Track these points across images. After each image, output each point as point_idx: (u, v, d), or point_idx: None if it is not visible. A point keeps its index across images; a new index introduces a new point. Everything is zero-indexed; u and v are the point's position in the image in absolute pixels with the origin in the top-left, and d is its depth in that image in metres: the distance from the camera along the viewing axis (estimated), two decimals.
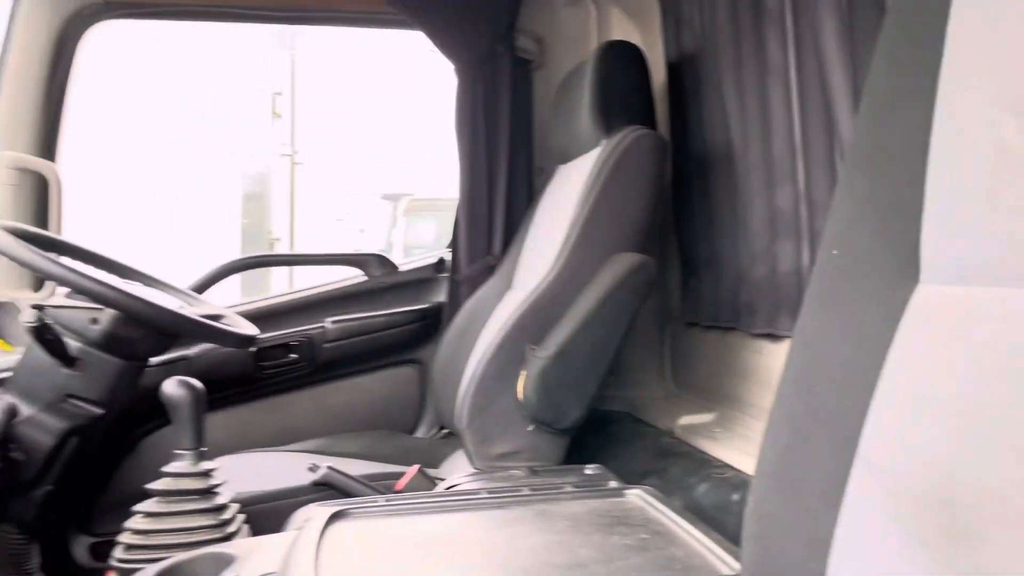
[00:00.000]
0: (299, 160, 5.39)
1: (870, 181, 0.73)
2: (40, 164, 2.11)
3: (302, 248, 5.43)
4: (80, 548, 1.97)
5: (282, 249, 4.57)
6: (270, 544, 1.14)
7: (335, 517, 1.18)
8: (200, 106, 4.04)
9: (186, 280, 2.24)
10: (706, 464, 1.60)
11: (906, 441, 0.64)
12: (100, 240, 1.98)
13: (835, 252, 0.75)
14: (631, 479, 1.69)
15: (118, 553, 1.34)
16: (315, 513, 1.19)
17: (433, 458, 1.96)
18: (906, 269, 0.67)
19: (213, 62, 3.27)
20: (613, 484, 1.39)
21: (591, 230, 1.65)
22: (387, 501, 1.25)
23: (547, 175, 2.18)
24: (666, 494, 1.62)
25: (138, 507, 1.37)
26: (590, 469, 1.50)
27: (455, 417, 1.70)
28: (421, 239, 9.61)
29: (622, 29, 2.24)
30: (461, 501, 1.25)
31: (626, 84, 1.79)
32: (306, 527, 1.13)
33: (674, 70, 1.93)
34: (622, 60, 1.80)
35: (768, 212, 1.57)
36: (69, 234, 2.18)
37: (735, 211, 1.70)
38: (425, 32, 2.23)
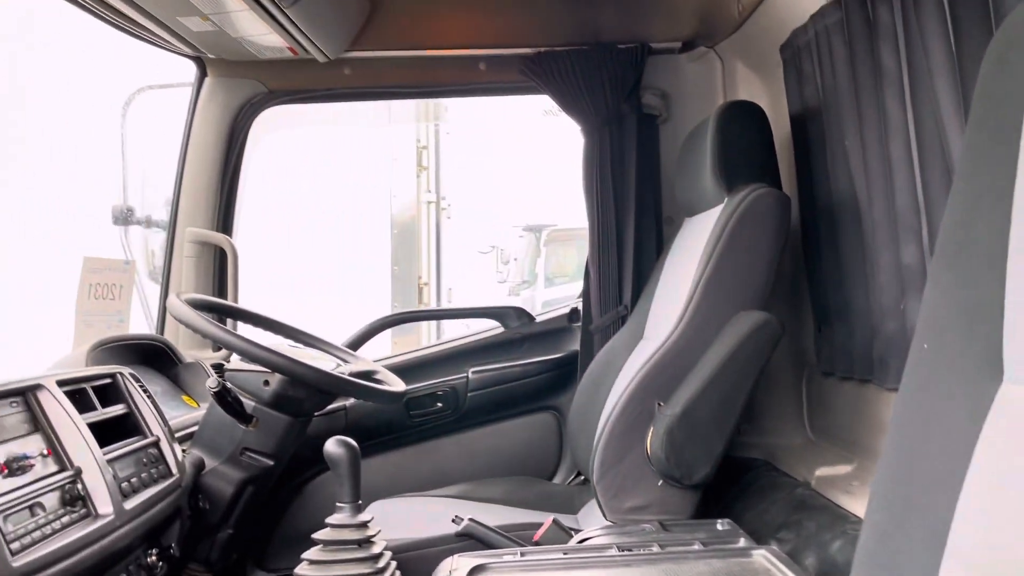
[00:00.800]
0: (445, 205, 5.66)
1: (955, 279, 0.77)
2: (218, 237, 2.40)
3: (448, 287, 5.69)
4: None
5: (430, 292, 4.84)
6: None
7: (475, 571, 1.29)
8: (352, 166, 4.38)
9: (344, 331, 2.45)
10: (842, 520, 1.60)
11: (993, 539, 0.67)
12: (270, 297, 2.20)
13: (925, 346, 0.79)
14: (765, 532, 1.71)
15: None
16: (458, 565, 1.31)
17: (571, 505, 2.05)
18: (990, 368, 0.71)
19: (363, 124, 3.57)
20: (742, 542, 1.43)
21: (714, 288, 1.70)
22: (523, 555, 1.35)
23: (676, 226, 2.24)
24: (800, 550, 1.63)
25: (305, 555, 1.54)
26: (721, 524, 1.53)
27: (588, 471, 1.79)
28: (563, 268, 9.78)
29: (747, 82, 2.28)
30: (591, 558, 1.33)
31: (747, 143, 1.83)
32: (448, 573, 1.25)
33: (798, 123, 1.95)
34: (742, 120, 1.85)
35: (895, 267, 1.56)
36: (244, 297, 2.45)
37: (864, 265, 1.69)
38: (552, 97, 2.36)
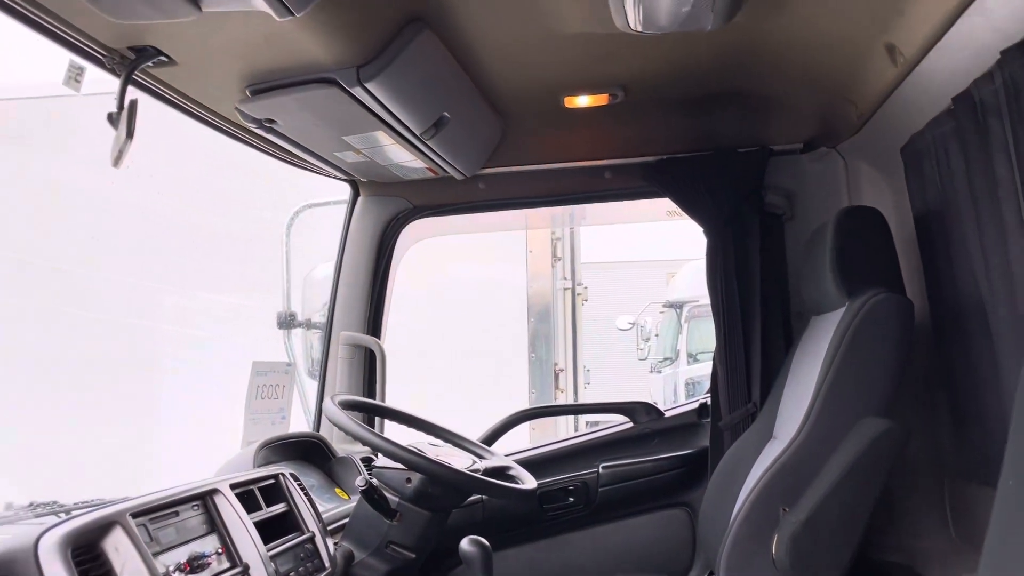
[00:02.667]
0: (580, 290, 5.80)
1: None
2: (368, 340, 2.62)
3: (585, 367, 5.79)
4: None
5: (566, 377, 4.98)
6: None
7: None
8: (490, 259, 4.64)
9: (484, 419, 2.59)
10: None
11: None
12: (415, 385, 2.37)
13: (1011, 482, 0.82)
14: None
15: None
16: None
17: None
18: None
19: (500, 230, 3.85)
20: None
21: (836, 394, 1.72)
22: None
23: (804, 321, 2.26)
24: None
25: None
26: None
27: (716, 564, 1.81)
28: (706, 344, 9.63)
29: (871, 182, 2.29)
30: None
31: (866, 248, 1.86)
32: None
33: (922, 224, 1.96)
34: (861, 225, 1.88)
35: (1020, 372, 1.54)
36: (392, 388, 2.65)
37: (996, 370, 1.67)
38: (675, 201, 2.46)
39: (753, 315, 2.38)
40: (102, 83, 1.73)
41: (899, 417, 1.68)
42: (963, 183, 1.68)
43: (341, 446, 2.49)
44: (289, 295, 2.87)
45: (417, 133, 2.00)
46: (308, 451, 2.36)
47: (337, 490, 2.36)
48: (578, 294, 5.78)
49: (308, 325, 2.93)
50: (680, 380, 10.28)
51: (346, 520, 2.08)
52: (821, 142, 2.42)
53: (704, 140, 2.44)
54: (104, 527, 1.20)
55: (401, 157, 2.22)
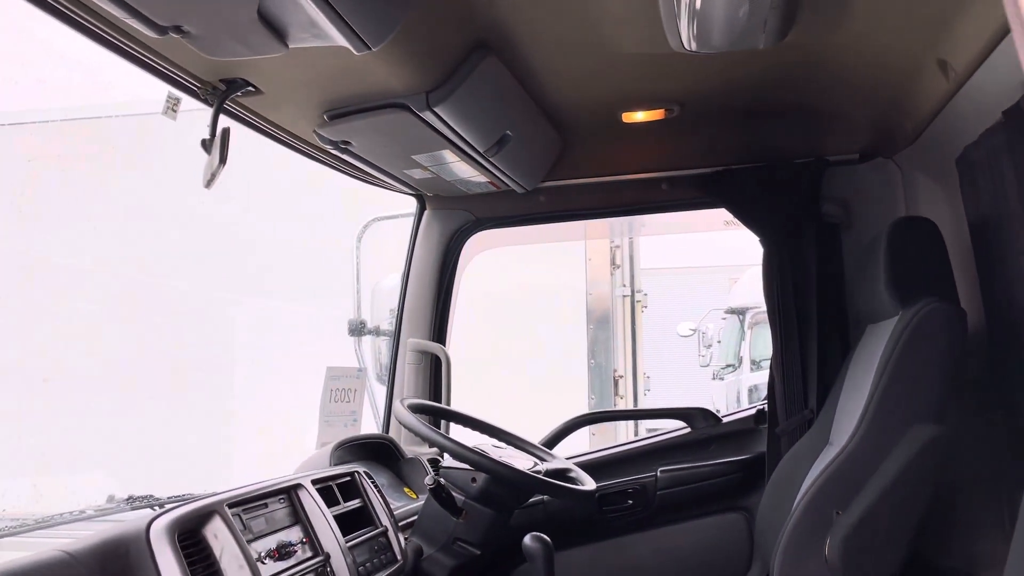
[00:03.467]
0: (640, 296, 5.85)
1: None
2: (434, 347, 2.74)
3: (645, 374, 5.84)
4: None
5: (626, 383, 5.04)
6: None
7: None
8: (549, 268, 4.73)
9: (544, 423, 2.68)
10: None
11: None
12: (478, 391, 2.48)
13: None
14: None
15: None
16: None
17: None
18: None
19: (560, 240, 3.95)
20: None
21: (888, 401, 1.76)
22: None
23: (861, 329, 2.29)
24: None
25: None
26: None
27: (769, 566, 1.87)
28: (769, 350, 9.48)
29: (927, 191, 2.32)
30: None
31: (919, 258, 1.90)
32: None
33: (977, 234, 1.98)
34: (914, 235, 1.92)
35: None
36: (456, 395, 2.76)
37: None
38: (731, 212, 2.52)
39: (810, 323, 2.42)
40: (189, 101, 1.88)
41: (951, 424, 1.72)
42: (1016, 194, 1.71)
43: (409, 448, 2.61)
44: (360, 303, 3.01)
45: (481, 151, 2.11)
46: (378, 452, 2.48)
47: (406, 489, 2.49)
48: (637, 301, 5.83)
49: (377, 332, 3.06)
50: (743, 387, 10.16)
51: (415, 517, 2.20)
52: (878, 152, 2.45)
53: (760, 151, 2.49)
54: (204, 516, 1.33)
55: (465, 173, 2.34)
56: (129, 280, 4.66)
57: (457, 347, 2.82)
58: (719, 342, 11.44)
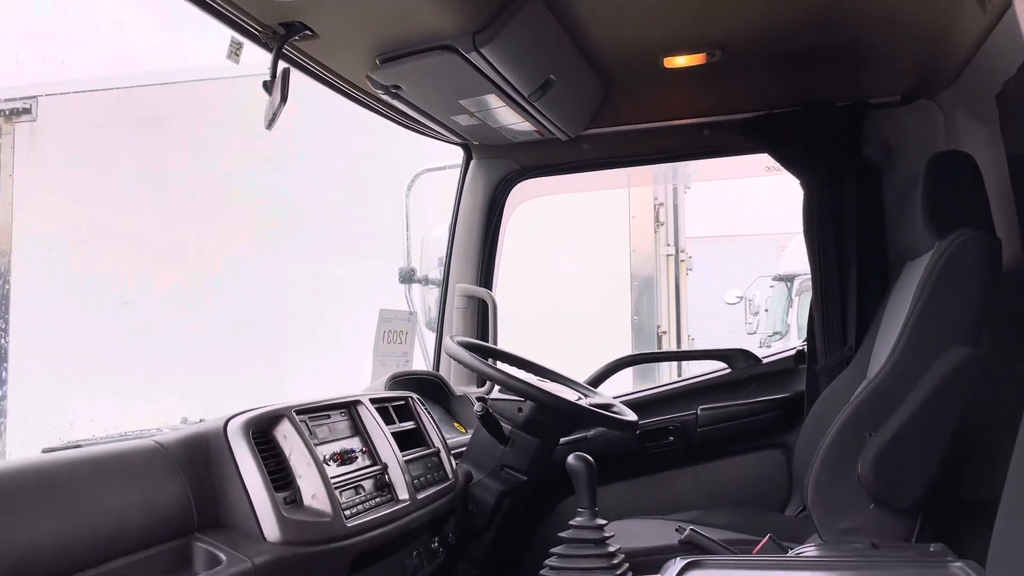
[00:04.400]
0: (684, 257, 5.89)
1: None
2: (481, 291, 2.85)
3: (689, 335, 5.90)
4: None
5: (669, 340, 5.10)
6: None
7: (691, 565, 1.53)
8: (595, 224, 4.80)
9: (585, 372, 2.78)
10: None
11: None
12: (521, 345, 2.58)
13: None
14: None
15: None
16: (679, 563, 1.55)
17: (796, 535, 2.18)
18: None
19: (604, 189, 4.00)
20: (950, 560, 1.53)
21: (923, 326, 1.82)
22: (735, 557, 1.57)
23: (899, 269, 2.33)
24: None
25: (554, 550, 1.86)
26: (933, 547, 1.63)
27: (804, 491, 1.94)
28: None
29: (968, 131, 2.33)
30: (795, 561, 1.52)
31: (956, 190, 1.93)
32: (668, 569, 1.50)
33: (1015, 167, 2.01)
34: (951, 169, 1.95)
35: None
36: (502, 342, 2.87)
37: None
38: (772, 156, 2.56)
39: (849, 263, 2.47)
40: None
41: (984, 349, 1.77)
42: None
43: (458, 387, 2.73)
44: (409, 252, 3.13)
45: (525, 95, 2.19)
46: (429, 389, 2.60)
47: (456, 424, 2.61)
48: (681, 261, 5.87)
49: (426, 281, 3.18)
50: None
51: (464, 448, 2.32)
52: (919, 93, 2.46)
53: (801, 95, 2.53)
54: (274, 419, 1.46)
55: (510, 120, 2.42)
56: (187, 246, 4.87)
57: (501, 301, 2.92)
58: (766, 310, 11.38)
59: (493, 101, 2.25)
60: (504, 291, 2.76)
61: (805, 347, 2.60)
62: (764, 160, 2.69)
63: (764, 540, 1.85)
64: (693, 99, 2.59)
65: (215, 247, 5.00)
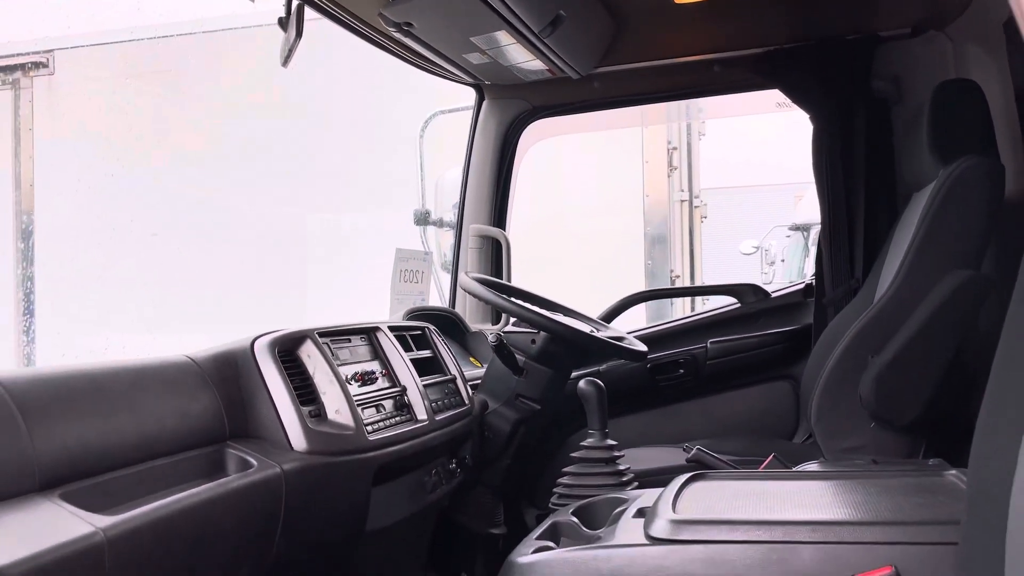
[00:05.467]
0: (698, 203, 5.90)
1: None
2: (494, 231, 2.90)
3: (702, 282, 5.95)
4: (529, 517, 2.64)
5: (683, 284, 5.15)
6: (651, 493, 1.60)
7: (695, 477, 1.61)
8: (609, 169, 4.82)
9: (597, 310, 2.84)
10: None
11: None
12: (536, 289, 2.64)
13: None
14: None
15: (553, 499, 1.92)
16: (684, 477, 1.63)
17: (801, 458, 2.26)
18: None
19: (617, 127, 4.01)
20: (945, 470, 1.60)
21: (926, 250, 1.86)
22: (738, 471, 1.64)
23: (907, 199, 2.36)
24: None
25: (566, 469, 1.94)
26: (932, 462, 1.70)
27: (808, 416, 2.01)
28: None
29: (977, 62, 2.34)
30: (794, 474, 1.59)
31: (962, 118, 1.95)
32: (674, 481, 1.58)
33: (1020, 98, 2.02)
34: (957, 96, 1.97)
35: None
36: (516, 280, 2.93)
37: None
38: (783, 91, 2.58)
39: (857, 196, 2.50)
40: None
41: (986, 273, 1.81)
42: None
43: (473, 324, 2.80)
44: (424, 194, 3.18)
45: (536, 31, 2.22)
46: (445, 326, 2.68)
47: (472, 359, 2.69)
48: (696, 207, 5.88)
49: (440, 224, 3.24)
50: None
51: (479, 380, 2.40)
52: (929, 25, 2.46)
53: (812, 30, 2.53)
54: (298, 339, 1.53)
55: (521, 56, 2.45)
56: (200, 200, 4.96)
57: (515, 247, 2.97)
58: (782, 260, 11.37)
59: (504, 38, 2.28)
60: (518, 237, 2.82)
61: (814, 281, 2.64)
62: (775, 96, 2.71)
63: (768, 459, 1.93)
64: (704, 35, 2.61)
65: (232, 198, 5.08)
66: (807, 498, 1.39)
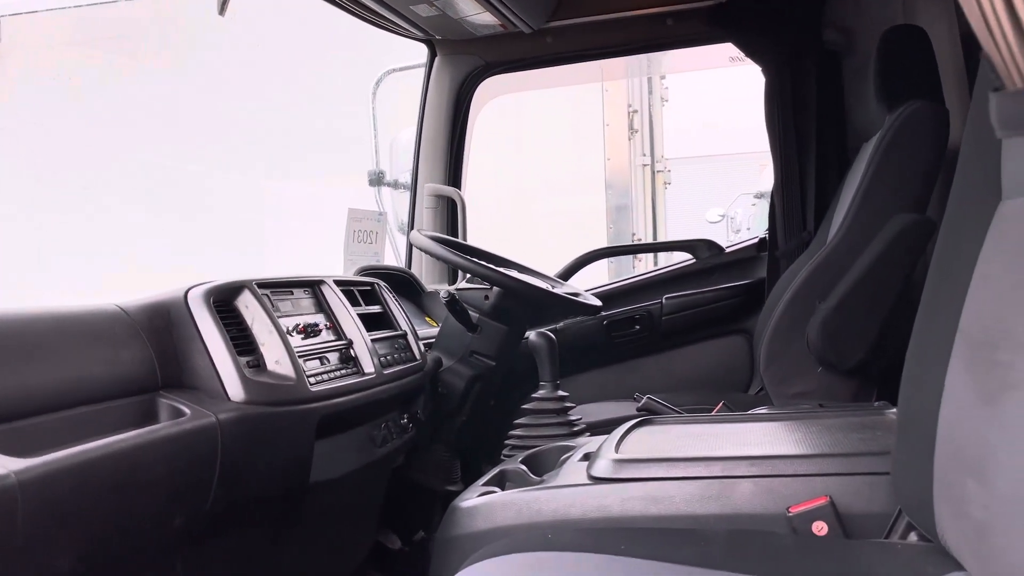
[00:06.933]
0: (660, 168, 5.90)
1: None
2: (449, 191, 2.87)
3: (668, 255, 5.99)
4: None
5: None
6: (599, 439, 1.60)
7: (642, 423, 1.61)
8: (568, 132, 4.79)
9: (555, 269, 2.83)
10: None
11: (987, 320, 0.88)
12: (498, 249, 2.62)
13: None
14: None
15: (505, 451, 1.92)
16: (632, 422, 1.63)
17: (752, 407, 2.27)
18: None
19: (574, 83, 3.99)
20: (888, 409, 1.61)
21: (872, 196, 1.87)
22: (684, 416, 1.65)
23: (857, 150, 2.37)
24: None
25: (518, 421, 1.94)
26: (877, 404, 1.72)
27: (758, 365, 2.02)
28: None
29: (927, 10, 2.34)
30: (746, 416, 1.60)
31: (907, 64, 1.96)
32: (621, 427, 1.58)
33: (967, 42, 2.03)
34: (903, 42, 1.97)
35: None
36: (472, 240, 2.91)
37: None
38: (736, 44, 2.57)
39: (809, 148, 2.51)
40: None
41: (931, 217, 1.82)
42: None
43: (429, 285, 2.78)
44: (377, 154, 3.14)
45: None
46: (400, 286, 2.65)
47: (427, 319, 2.67)
48: (658, 172, 5.88)
49: (396, 185, 3.19)
50: None
51: (433, 338, 2.38)
52: None
53: None
54: (235, 289, 1.50)
55: (470, 9, 2.41)
56: (163, 168, 4.87)
57: (475, 210, 2.94)
58: (748, 228, 11.48)
59: None
60: (477, 199, 2.79)
61: (767, 235, 2.65)
62: (729, 50, 2.70)
63: (719, 406, 1.94)
64: None
65: (186, 167, 5.00)
66: (748, 436, 1.39)
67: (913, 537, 1.05)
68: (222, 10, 1.86)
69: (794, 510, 1.13)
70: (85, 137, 4.94)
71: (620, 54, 2.86)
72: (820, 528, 1.11)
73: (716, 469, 1.22)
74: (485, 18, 2.50)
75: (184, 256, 4.74)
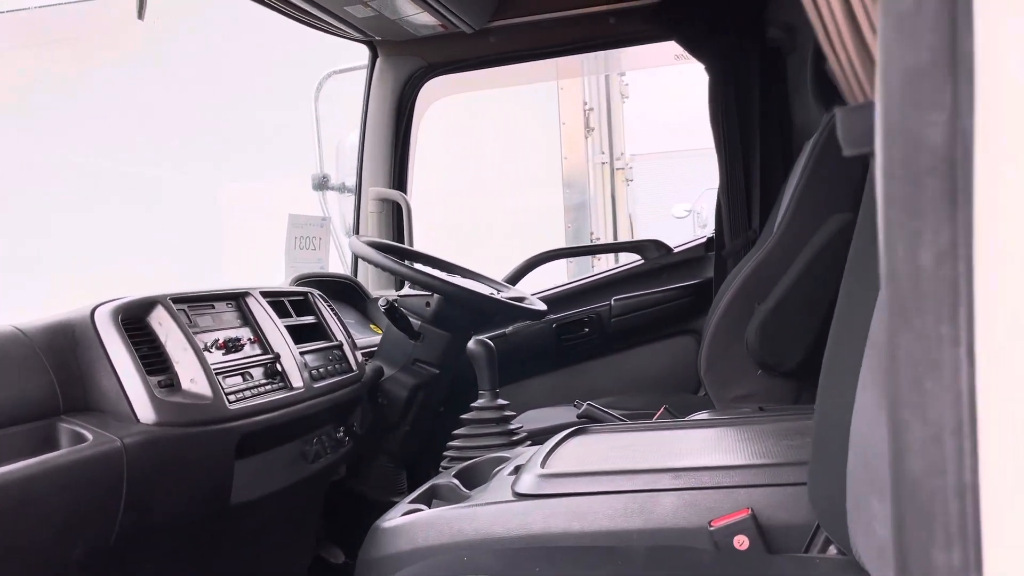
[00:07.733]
0: (621, 165, 5.87)
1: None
2: (394, 194, 2.82)
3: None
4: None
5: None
6: (533, 450, 1.56)
7: (576, 432, 1.57)
8: (524, 132, 4.75)
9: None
10: None
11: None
12: (453, 253, 2.57)
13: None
14: None
15: (443, 463, 1.87)
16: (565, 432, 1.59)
17: (698, 409, 2.25)
18: None
19: (524, 82, 3.95)
20: None
21: (808, 196, 1.85)
22: (620, 424, 1.62)
23: (800, 149, 2.36)
24: None
25: (456, 432, 1.89)
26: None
27: (698, 368, 2.00)
28: None
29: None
30: (681, 423, 1.57)
31: None
32: (553, 437, 1.54)
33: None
34: None
35: None
36: (420, 244, 2.86)
37: None
38: (679, 42, 2.55)
39: (753, 147, 2.49)
40: None
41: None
42: None
43: (375, 292, 2.73)
44: (321, 158, 3.07)
45: None
46: (345, 293, 2.60)
47: (372, 326, 2.61)
48: (619, 169, 5.85)
49: (342, 189, 3.13)
50: None
51: (375, 347, 2.33)
52: None
53: None
54: (147, 305, 1.44)
55: (408, 9, 2.36)
56: (114, 171, 4.77)
57: (426, 212, 2.89)
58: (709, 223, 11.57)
59: None
60: (431, 199, 2.74)
61: (715, 234, 2.64)
62: (674, 48, 2.67)
63: (660, 412, 1.91)
64: None
65: (138, 170, 4.90)
66: (677, 446, 1.36)
67: (833, 550, 1.03)
68: (141, 14, 1.80)
69: (716, 524, 1.10)
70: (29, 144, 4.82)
71: (564, 53, 2.83)
72: (741, 542, 1.08)
73: (639, 482, 1.19)
74: (424, 19, 2.45)
75: (139, 262, 4.64)
